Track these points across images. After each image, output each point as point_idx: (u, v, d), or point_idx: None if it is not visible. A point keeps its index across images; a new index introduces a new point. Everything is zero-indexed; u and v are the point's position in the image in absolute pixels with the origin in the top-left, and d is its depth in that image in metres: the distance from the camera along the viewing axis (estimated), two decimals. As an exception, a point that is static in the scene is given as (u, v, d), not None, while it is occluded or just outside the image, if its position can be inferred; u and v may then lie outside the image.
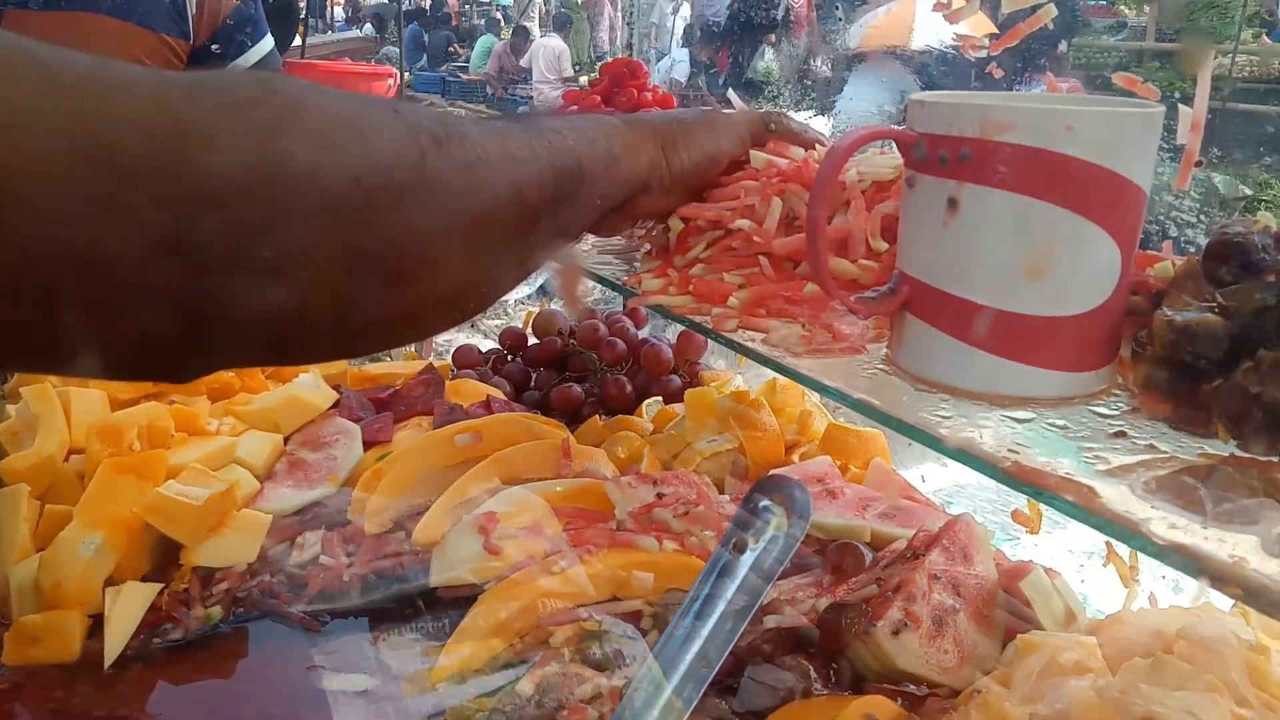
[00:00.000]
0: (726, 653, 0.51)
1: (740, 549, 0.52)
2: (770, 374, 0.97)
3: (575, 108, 0.98)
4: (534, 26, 10.09)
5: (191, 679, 0.69)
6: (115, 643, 0.70)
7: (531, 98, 7.89)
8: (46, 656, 0.69)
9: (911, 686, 0.57)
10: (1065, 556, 0.85)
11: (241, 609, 0.73)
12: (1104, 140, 0.47)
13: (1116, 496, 0.41)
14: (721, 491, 0.82)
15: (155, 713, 0.66)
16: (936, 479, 1.04)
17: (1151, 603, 0.66)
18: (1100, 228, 0.48)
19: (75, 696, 0.67)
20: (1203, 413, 0.46)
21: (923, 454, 1.07)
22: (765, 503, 0.53)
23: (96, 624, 0.71)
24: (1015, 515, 0.73)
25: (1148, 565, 0.69)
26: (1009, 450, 0.45)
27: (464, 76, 9.66)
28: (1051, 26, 0.60)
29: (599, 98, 0.96)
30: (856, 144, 0.54)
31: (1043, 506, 0.73)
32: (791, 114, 0.73)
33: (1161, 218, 0.58)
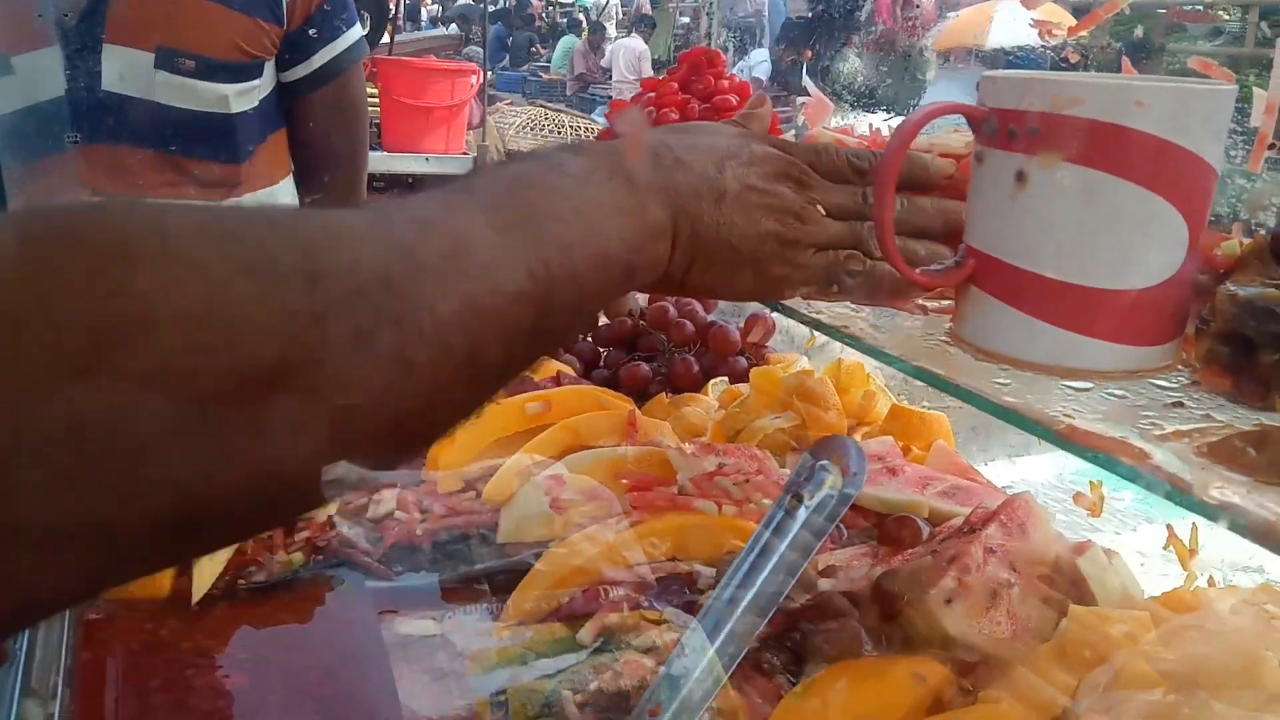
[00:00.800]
0: (775, 607, 0.53)
1: (795, 505, 0.54)
2: (835, 357, 0.98)
3: (652, 94, 1.00)
4: (611, 26, 10.15)
5: (272, 619, 0.73)
6: (202, 582, 0.74)
7: (611, 97, 7.96)
8: (139, 592, 0.74)
9: (962, 655, 0.58)
10: (1131, 558, 0.84)
11: (321, 556, 0.77)
12: (1173, 115, 0.47)
13: (1169, 458, 0.41)
14: (783, 468, 0.84)
15: (237, 647, 0.70)
16: (999, 476, 1.04)
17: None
18: (1168, 203, 0.49)
19: (164, 629, 0.71)
20: (1262, 386, 0.46)
21: (985, 448, 1.07)
22: (822, 461, 0.55)
23: (185, 564, 0.76)
24: (1077, 498, 0.73)
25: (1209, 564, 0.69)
26: (1064, 415, 0.46)
27: (544, 76, 9.78)
28: (1128, 10, 0.60)
29: (676, 85, 0.99)
30: (926, 118, 0.55)
31: (1106, 489, 0.73)
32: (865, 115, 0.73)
33: (1234, 200, 0.58)
